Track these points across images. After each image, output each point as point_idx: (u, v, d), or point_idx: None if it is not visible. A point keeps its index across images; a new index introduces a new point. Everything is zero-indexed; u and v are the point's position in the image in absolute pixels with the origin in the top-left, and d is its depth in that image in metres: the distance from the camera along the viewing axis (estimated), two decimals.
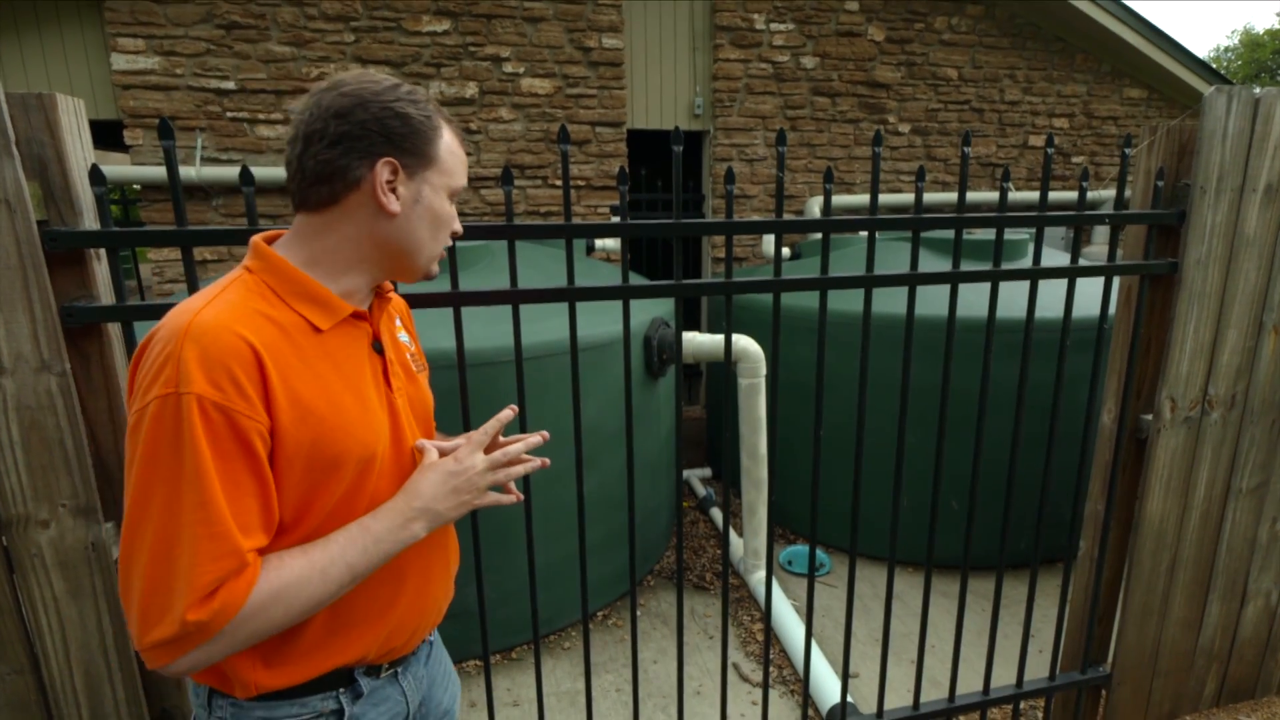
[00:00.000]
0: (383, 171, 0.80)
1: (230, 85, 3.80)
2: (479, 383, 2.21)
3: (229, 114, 3.82)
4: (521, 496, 0.97)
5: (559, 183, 4.34)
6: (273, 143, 3.91)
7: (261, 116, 3.87)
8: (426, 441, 0.91)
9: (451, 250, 1.25)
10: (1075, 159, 5.24)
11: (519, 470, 0.92)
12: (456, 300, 1.28)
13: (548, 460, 0.98)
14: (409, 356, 0.97)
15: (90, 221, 1.15)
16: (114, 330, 1.20)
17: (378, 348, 0.89)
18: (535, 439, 0.96)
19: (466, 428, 1.34)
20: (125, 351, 1.22)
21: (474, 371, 2.19)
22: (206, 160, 3.83)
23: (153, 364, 0.70)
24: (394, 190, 0.82)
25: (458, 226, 0.91)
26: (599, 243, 4.27)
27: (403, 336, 0.98)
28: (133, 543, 0.69)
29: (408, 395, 0.93)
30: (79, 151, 1.15)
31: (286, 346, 0.76)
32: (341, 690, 0.87)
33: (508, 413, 0.94)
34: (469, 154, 4.19)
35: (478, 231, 1.27)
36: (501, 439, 0.98)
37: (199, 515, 0.68)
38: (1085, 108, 5.14)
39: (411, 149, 0.82)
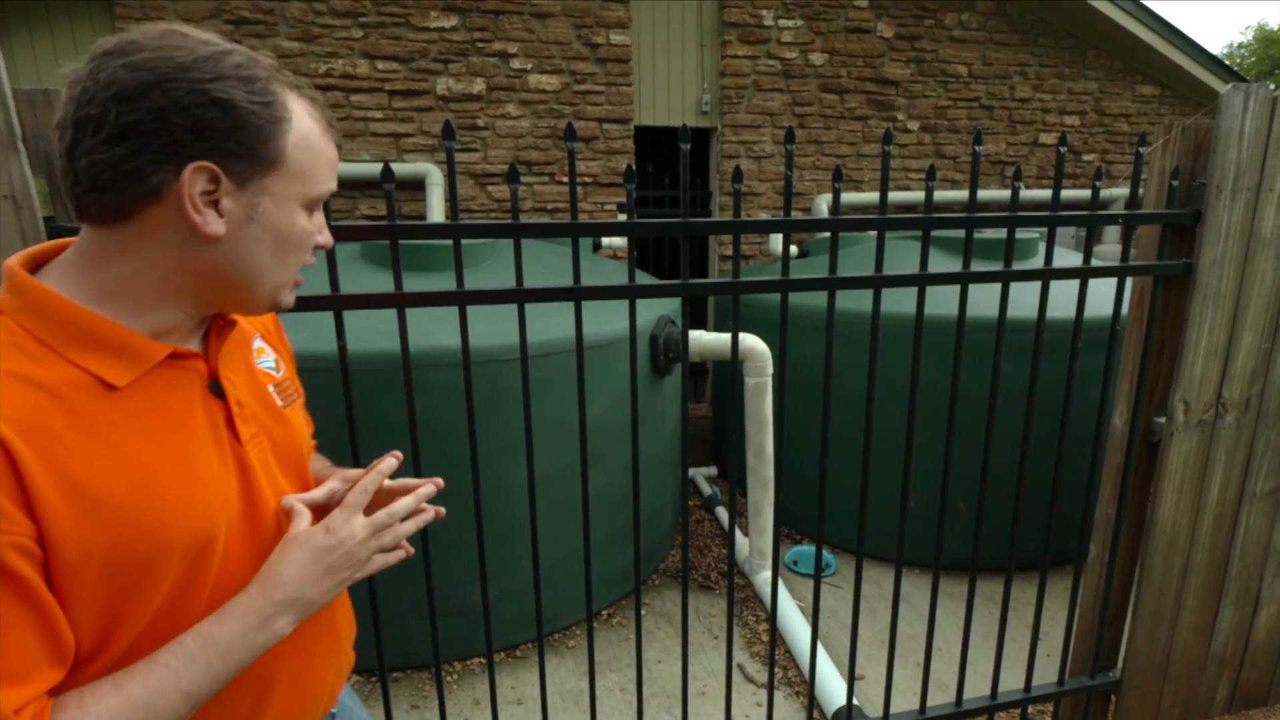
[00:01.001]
0: (194, 181, 0.58)
1: None
2: (485, 381, 2.20)
3: None
4: (412, 551, 0.80)
5: (566, 179, 4.33)
6: None
7: None
8: (295, 499, 0.71)
9: (457, 247, 1.24)
10: (1086, 157, 5.19)
11: (410, 528, 0.75)
12: (462, 299, 1.27)
13: (443, 510, 0.82)
14: (272, 389, 0.77)
15: None
16: None
17: (216, 390, 0.68)
18: (427, 488, 0.78)
19: (471, 428, 1.33)
20: None
21: (480, 369, 2.18)
22: None
23: None
24: (215, 204, 0.60)
25: (324, 238, 0.70)
26: (605, 240, 4.26)
27: (265, 362, 0.78)
28: None
29: (270, 440, 0.73)
30: None
31: (58, 418, 0.56)
32: None
33: (390, 461, 0.75)
34: (474, 149, 4.18)
35: (484, 230, 1.26)
36: (389, 482, 0.81)
37: None
38: (1097, 105, 5.08)
39: (240, 149, 0.60)
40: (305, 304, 1.23)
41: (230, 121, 0.58)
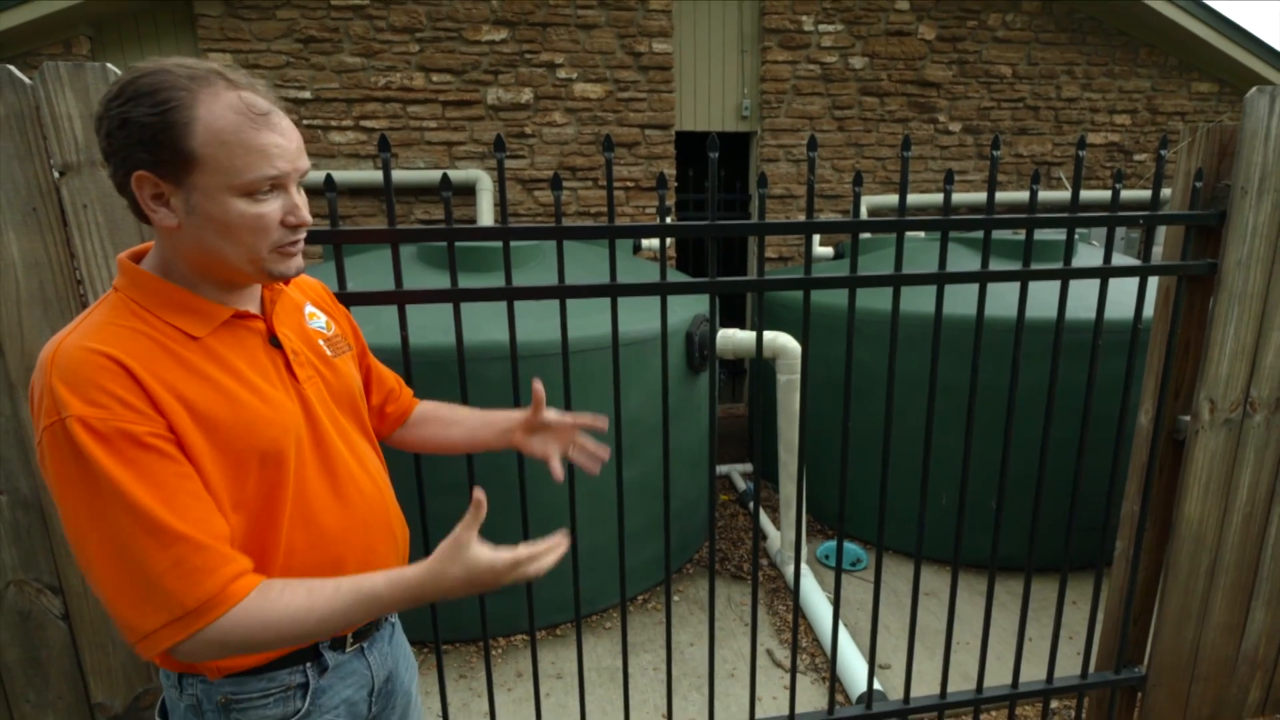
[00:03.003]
0: (141, 186, 0.73)
1: (307, 95, 4.08)
2: (531, 374, 2.36)
3: (305, 122, 4.11)
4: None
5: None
6: (343, 148, 4.18)
7: (334, 124, 4.14)
8: (469, 528, 0.81)
9: (506, 248, 1.39)
10: (1138, 157, 5.07)
11: (534, 571, 0.85)
12: (510, 295, 1.41)
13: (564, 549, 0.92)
14: (322, 343, 0.94)
15: None
16: None
17: (275, 342, 0.86)
18: (559, 552, 0.87)
19: None
20: None
21: (526, 363, 2.34)
22: None
23: (34, 400, 0.72)
24: (166, 202, 0.74)
25: (295, 218, 0.79)
26: (645, 243, 4.39)
27: (316, 323, 0.96)
28: (89, 560, 0.71)
29: (324, 382, 0.91)
30: None
31: (164, 356, 0.75)
32: (308, 664, 0.89)
33: (560, 550, 0.87)
34: (521, 156, 4.37)
35: (530, 233, 1.40)
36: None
37: (140, 534, 0.70)
38: (1149, 103, 4.96)
39: (150, 156, 0.71)
40: (371, 299, 1.40)
41: (135, 135, 0.70)
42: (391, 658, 1.03)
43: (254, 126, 0.73)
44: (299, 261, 0.83)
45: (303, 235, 0.82)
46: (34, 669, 1.39)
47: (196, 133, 0.71)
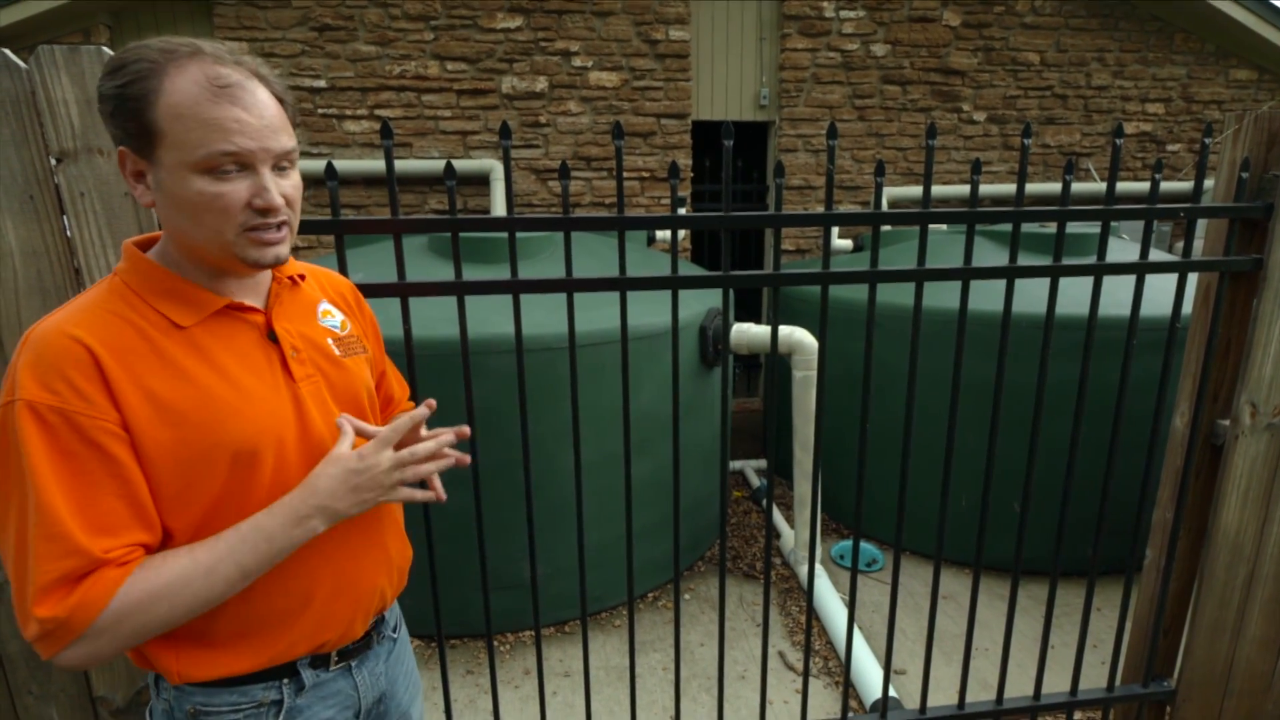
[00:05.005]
0: (123, 162, 0.74)
1: (321, 84, 4.06)
2: (540, 367, 2.31)
3: (320, 110, 4.09)
4: (444, 497, 0.91)
5: (625, 174, 4.42)
6: (358, 137, 4.15)
7: (349, 112, 4.12)
8: (348, 419, 0.82)
9: (511, 239, 1.34)
10: (1171, 147, 4.90)
11: (430, 468, 0.84)
12: (515, 288, 1.36)
13: (467, 457, 0.93)
14: (331, 342, 0.90)
15: None
16: None
17: (272, 337, 0.83)
18: (448, 436, 0.88)
19: (523, 412, 1.42)
20: None
21: (535, 356, 2.29)
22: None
23: (5, 376, 0.71)
24: (143, 179, 0.73)
25: (261, 200, 0.73)
26: (660, 234, 4.33)
27: (329, 321, 0.91)
28: (5, 549, 0.70)
29: (326, 382, 0.86)
30: None
31: (141, 345, 0.73)
32: (285, 681, 0.85)
33: (423, 410, 0.85)
34: (536, 146, 4.32)
35: (536, 223, 1.35)
36: (425, 432, 0.92)
37: (36, 519, 0.67)
38: (1184, 92, 4.78)
39: (120, 130, 0.71)
40: (373, 291, 1.36)
41: (107, 109, 0.71)
42: (387, 678, 0.97)
43: (213, 100, 0.70)
44: (280, 251, 0.78)
45: (278, 220, 0.76)
46: (35, 661, 1.37)
47: (157, 105, 0.69)
